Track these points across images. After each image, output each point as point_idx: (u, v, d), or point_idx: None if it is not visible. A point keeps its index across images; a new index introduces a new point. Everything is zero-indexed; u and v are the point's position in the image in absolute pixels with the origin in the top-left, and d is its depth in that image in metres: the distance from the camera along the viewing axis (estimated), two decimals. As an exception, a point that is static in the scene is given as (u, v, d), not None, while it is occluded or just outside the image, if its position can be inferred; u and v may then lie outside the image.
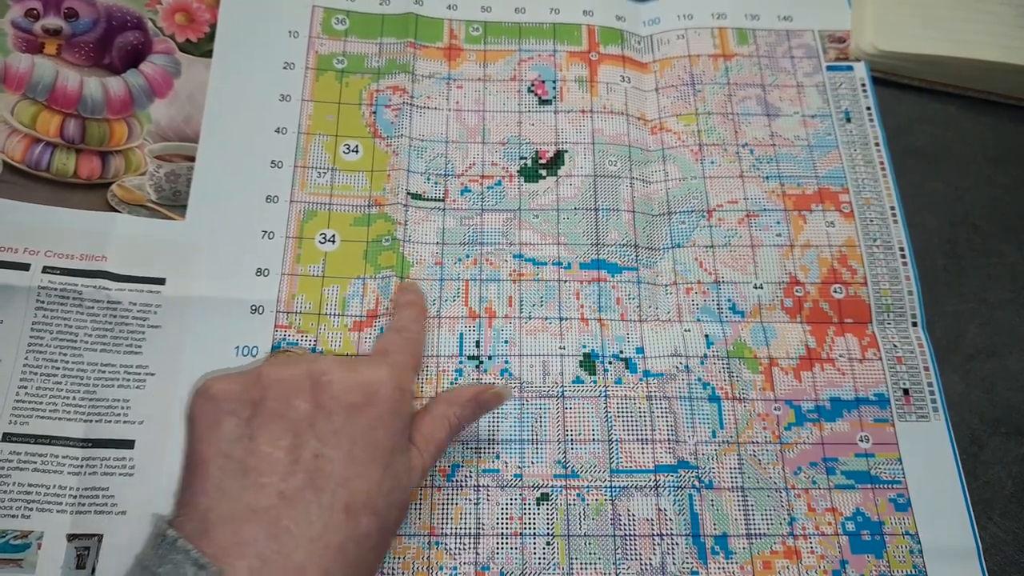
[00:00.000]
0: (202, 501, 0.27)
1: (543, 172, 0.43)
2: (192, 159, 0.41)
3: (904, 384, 0.39)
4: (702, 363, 0.39)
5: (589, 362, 0.38)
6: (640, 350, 0.39)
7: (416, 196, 0.41)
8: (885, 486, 0.36)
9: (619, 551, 0.35)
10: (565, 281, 0.40)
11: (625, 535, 0.35)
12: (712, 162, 0.43)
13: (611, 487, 0.36)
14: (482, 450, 0.36)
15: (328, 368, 0.29)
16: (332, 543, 0.26)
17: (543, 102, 0.45)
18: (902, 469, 0.37)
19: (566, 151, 0.43)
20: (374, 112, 0.43)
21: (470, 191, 0.42)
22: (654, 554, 0.35)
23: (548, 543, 0.35)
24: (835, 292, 0.41)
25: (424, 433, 0.31)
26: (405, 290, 0.36)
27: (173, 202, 0.40)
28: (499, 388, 0.35)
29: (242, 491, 0.27)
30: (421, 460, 0.30)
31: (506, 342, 0.39)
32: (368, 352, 0.37)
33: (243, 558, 0.25)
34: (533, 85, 0.45)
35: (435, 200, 0.42)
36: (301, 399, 0.28)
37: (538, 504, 0.36)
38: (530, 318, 0.39)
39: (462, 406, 0.33)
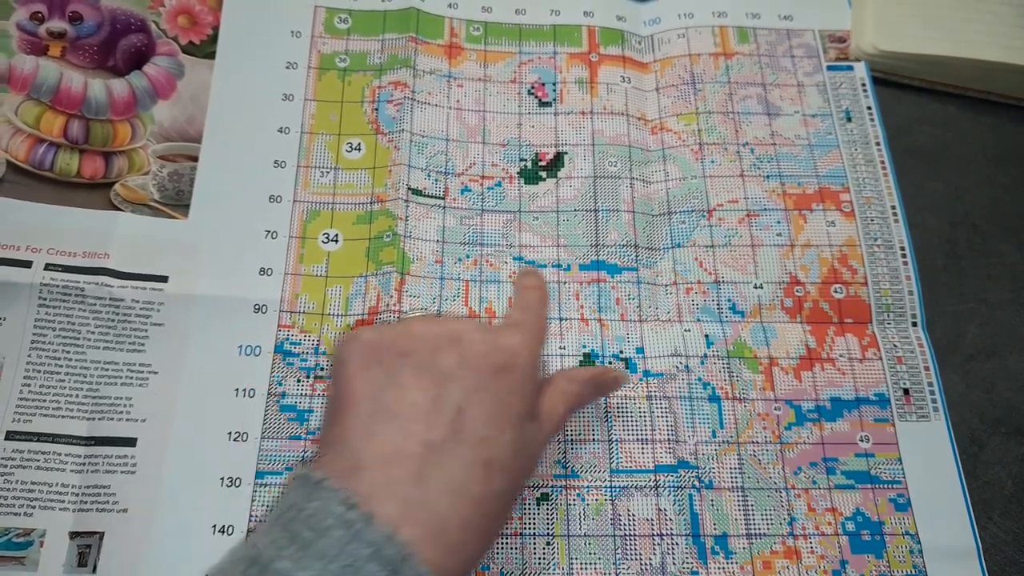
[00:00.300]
0: (350, 441, 0.27)
1: (543, 174, 0.43)
2: (195, 159, 0.41)
3: (904, 384, 0.39)
4: (702, 363, 0.39)
5: (589, 362, 0.39)
6: (640, 350, 0.39)
7: (417, 192, 0.42)
8: (885, 486, 0.36)
9: (619, 551, 0.35)
10: (565, 283, 0.40)
11: (625, 535, 0.35)
12: (712, 161, 0.43)
13: (611, 487, 0.36)
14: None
15: (472, 329, 0.30)
16: (472, 495, 0.27)
17: (543, 104, 0.45)
18: (902, 469, 0.37)
19: (566, 153, 0.43)
20: (376, 108, 0.44)
21: (470, 191, 0.42)
22: (654, 554, 0.35)
23: (548, 543, 0.35)
24: (835, 292, 0.41)
25: (546, 405, 0.31)
26: (527, 274, 0.36)
27: (176, 201, 0.41)
28: (618, 373, 0.35)
29: (389, 435, 0.27)
30: (543, 430, 0.31)
31: (507, 341, 0.39)
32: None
33: (389, 501, 0.25)
34: (533, 88, 0.45)
35: (435, 197, 0.42)
36: (448, 355, 0.29)
37: (538, 504, 0.36)
38: (531, 318, 0.39)
39: (582, 384, 0.33)
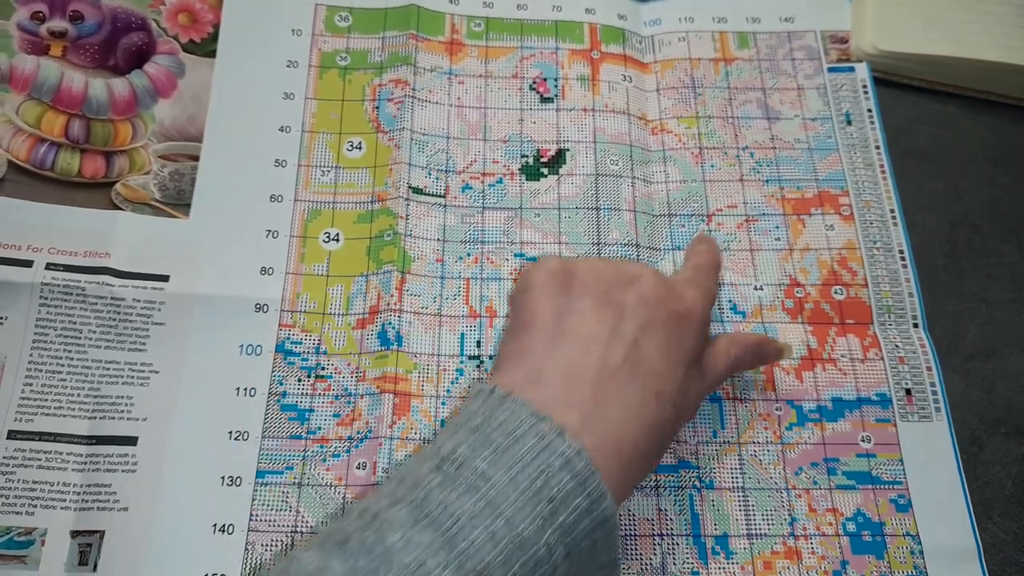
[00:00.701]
0: (532, 355, 0.29)
1: (544, 170, 0.43)
2: (196, 158, 0.41)
3: (906, 384, 0.39)
4: (703, 363, 0.39)
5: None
6: None
7: (417, 191, 0.42)
8: (886, 487, 0.36)
9: (619, 551, 0.35)
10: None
11: (625, 535, 0.35)
12: (712, 166, 0.44)
13: (612, 486, 0.36)
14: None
15: (652, 274, 0.32)
16: (643, 420, 0.28)
17: (545, 100, 0.45)
18: (903, 469, 0.37)
19: (567, 149, 0.43)
20: (376, 107, 0.44)
21: (471, 188, 0.42)
22: (654, 554, 0.35)
23: (549, 541, 0.35)
24: (836, 293, 0.41)
25: (709, 361, 0.33)
26: (701, 240, 0.38)
27: (177, 201, 0.41)
28: (781, 344, 0.36)
29: (570, 353, 0.29)
30: (705, 382, 0.33)
31: (507, 341, 0.39)
32: None
33: (571, 411, 0.27)
34: (535, 83, 0.45)
35: (436, 196, 0.42)
36: (628, 293, 0.31)
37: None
38: (532, 317, 0.39)
39: (744, 348, 0.34)
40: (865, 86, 0.46)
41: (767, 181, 0.43)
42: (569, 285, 0.31)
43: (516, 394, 0.27)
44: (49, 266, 0.37)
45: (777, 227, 0.42)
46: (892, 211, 0.43)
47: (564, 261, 0.32)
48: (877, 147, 0.44)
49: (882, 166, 0.44)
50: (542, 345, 0.29)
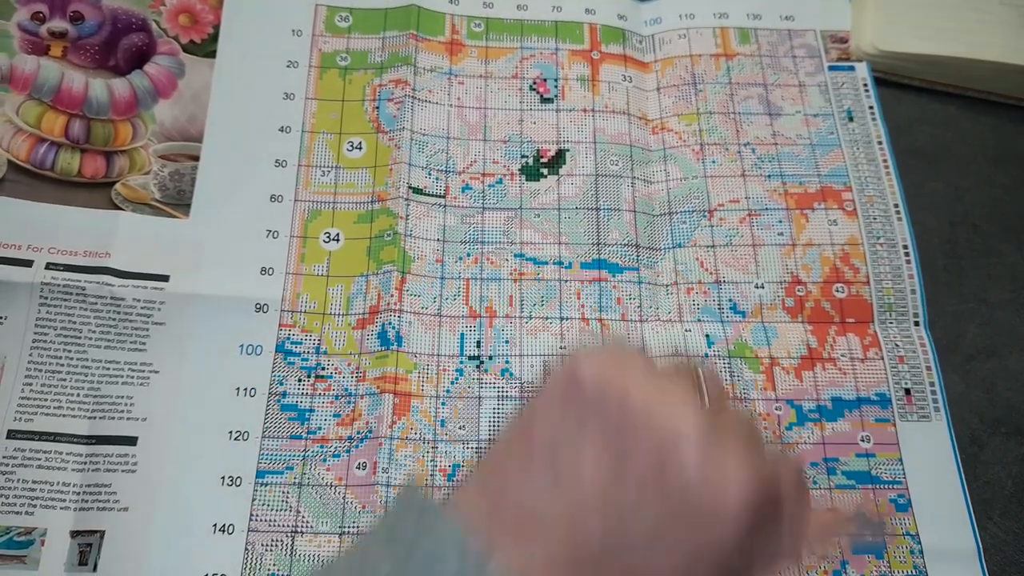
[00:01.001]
0: (502, 475, 0.25)
1: (544, 171, 0.43)
2: (196, 159, 0.41)
3: (906, 384, 0.39)
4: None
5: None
6: (641, 350, 0.39)
7: (417, 191, 0.42)
8: (886, 486, 0.36)
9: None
10: (566, 281, 0.40)
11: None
12: (713, 161, 0.43)
13: (612, 486, 0.36)
14: (483, 450, 0.36)
15: (694, 438, 0.23)
16: None
17: (545, 100, 0.45)
18: (903, 469, 0.37)
19: (567, 150, 0.43)
20: (377, 107, 0.44)
21: (471, 189, 0.42)
22: (655, 553, 0.35)
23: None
24: (837, 291, 0.41)
25: (762, 561, 0.24)
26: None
27: (177, 201, 0.41)
28: (879, 515, 0.32)
29: (540, 494, 0.23)
30: None
31: (507, 342, 0.39)
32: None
33: (509, 554, 0.22)
34: (535, 83, 0.45)
35: (436, 196, 0.42)
36: (648, 454, 0.23)
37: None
38: (531, 318, 0.39)
39: (821, 541, 0.28)
40: (866, 85, 0.46)
41: (769, 176, 0.43)
42: (585, 403, 0.24)
43: (454, 523, 0.23)
44: (49, 266, 0.37)
45: (780, 221, 0.42)
46: (896, 206, 0.42)
47: (601, 370, 0.24)
48: (880, 142, 0.44)
49: (885, 161, 0.44)
50: (517, 469, 0.24)
